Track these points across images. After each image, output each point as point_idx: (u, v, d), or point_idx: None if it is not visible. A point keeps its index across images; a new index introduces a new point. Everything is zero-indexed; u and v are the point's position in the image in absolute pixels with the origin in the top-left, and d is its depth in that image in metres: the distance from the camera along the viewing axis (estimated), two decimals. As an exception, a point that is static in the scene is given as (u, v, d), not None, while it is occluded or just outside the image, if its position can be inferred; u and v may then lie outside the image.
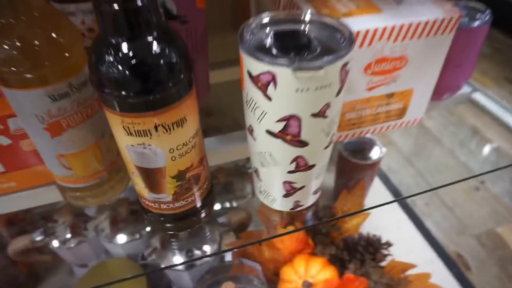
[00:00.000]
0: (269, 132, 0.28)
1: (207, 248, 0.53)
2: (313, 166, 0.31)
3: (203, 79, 0.47)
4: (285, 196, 0.34)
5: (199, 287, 0.48)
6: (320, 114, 0.27)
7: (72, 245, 0.58)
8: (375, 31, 0.33)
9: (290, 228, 0.54)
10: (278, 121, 0.27)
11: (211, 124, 0.66)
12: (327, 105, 0.26)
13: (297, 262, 0.49)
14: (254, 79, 0.25)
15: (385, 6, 0.36)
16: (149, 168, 0.28)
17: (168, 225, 0.34)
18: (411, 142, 1.03)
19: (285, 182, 0.32)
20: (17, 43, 0.26)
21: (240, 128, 0.43)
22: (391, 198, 0.78)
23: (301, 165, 0.30)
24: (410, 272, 0.50)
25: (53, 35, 0.28)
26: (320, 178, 0.34)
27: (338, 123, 0.32)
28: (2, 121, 0.33)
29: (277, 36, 0.27)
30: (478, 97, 0.49)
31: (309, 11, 0.29)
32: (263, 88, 0.25)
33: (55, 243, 0.58)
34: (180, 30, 0.40)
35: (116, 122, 0.26)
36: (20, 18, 0.26)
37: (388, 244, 0.51)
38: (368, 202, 0.76)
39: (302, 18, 0.28)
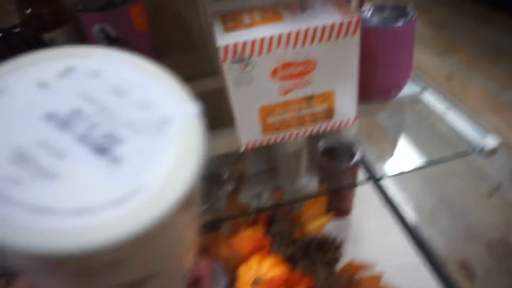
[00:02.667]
0: None
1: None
2: None
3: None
4: None
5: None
6: None
7: None
8: (271, 38, 0.36)
9: (251, 230, 0.57)
10: None
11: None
12: None
13: (251, 261, 0.52)
14: None
15: (287, 15, 0.38)
16: None
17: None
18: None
19: None
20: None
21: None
22: (380, 203, 0.77)
23: None
24: (365, 273, 0.50)
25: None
26: None
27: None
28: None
29: None
30: (427, 97, 0.49)
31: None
32: None
33: None
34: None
35: None
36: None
37: (339, 245, 0.51)
38: (356, 205, 0.76)
39: None
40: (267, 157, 0.86)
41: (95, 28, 0.43)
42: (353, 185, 0.70)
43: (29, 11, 0.43)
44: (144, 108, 0.12)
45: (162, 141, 0.12)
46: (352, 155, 0.68)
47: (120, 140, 0.11)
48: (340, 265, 0.52)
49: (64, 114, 0.11)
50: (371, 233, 0.72)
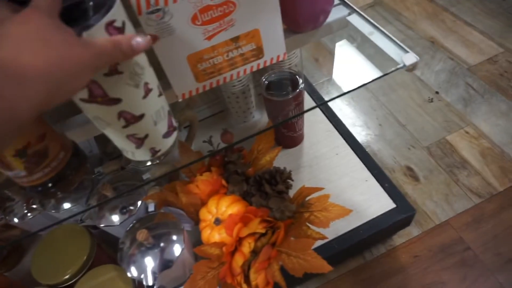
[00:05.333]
0: (83, 100, 0.31)
1: (136, 203, 0.59)
2: (142, 116, 0.34)
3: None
4: (137, 147, 0.38)
5: (130, 234, 0.55)
6: (113, 72, 0.30)
7: (30, 218, 0.65)
8: (183, -17, 0.34)
9: (207, 174, 0.59)
10: None
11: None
12: (115, 63, 0.29)
13: (209, 203, 0.54)
14: None
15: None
16: (-12, 152, 0.33)
17: (45, 193, 0.39)
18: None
19: (128, 136, 0.36)
20: None
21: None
22: (330, 126, 0.81)
23: (129, 119, 0.34)
24: (313, 196, 0.54)
25: None
26: (162, 123, 0.38)
27: (149, 72, 0.35)
28: None
29: None
30: (354, 19, 0.49)
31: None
32: None
33: (16, 219, 0.66)
34: None
35: None
36: None
37: (288, 175, 0.55)
38: (307, 131, 0.80)
39: None
40: (216, 99, 0.86)
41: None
42: (300, 113, 0.72)
43: None
44: None
45: None
46: (296, 84, 0.70)
47: None
48: (293, 192, 0.56)
49: None
50: (323, 156, 0.76)
